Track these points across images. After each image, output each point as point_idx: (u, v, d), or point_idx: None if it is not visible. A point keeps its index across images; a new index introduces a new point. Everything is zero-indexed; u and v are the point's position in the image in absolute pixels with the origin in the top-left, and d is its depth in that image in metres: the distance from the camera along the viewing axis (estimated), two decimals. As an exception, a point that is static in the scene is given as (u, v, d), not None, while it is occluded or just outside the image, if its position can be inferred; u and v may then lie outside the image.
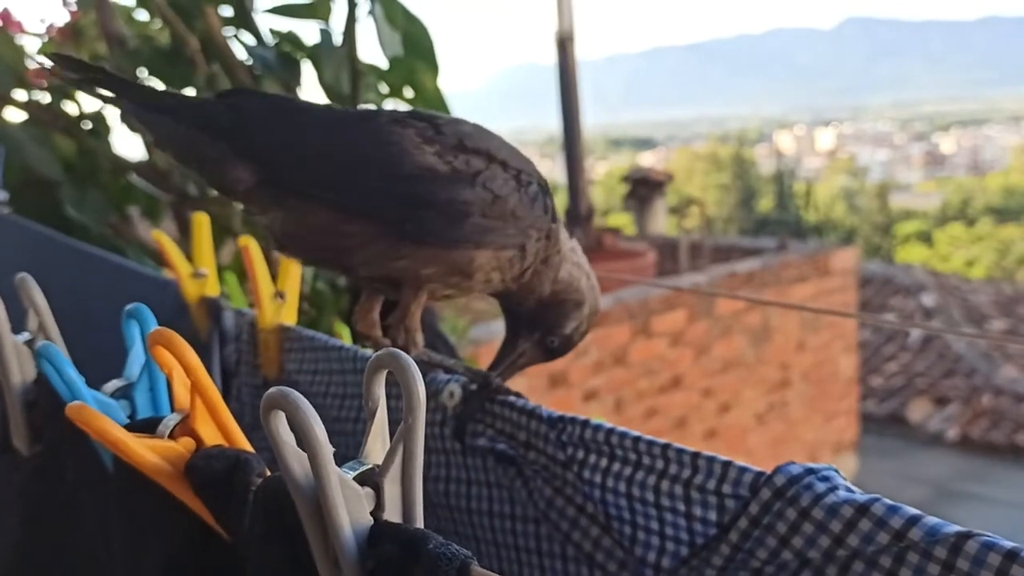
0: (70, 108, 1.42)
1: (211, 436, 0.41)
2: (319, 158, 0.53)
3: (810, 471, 0.38)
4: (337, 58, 1.21)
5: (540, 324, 0.59)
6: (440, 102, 1.22)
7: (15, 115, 1.38)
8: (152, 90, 0.60)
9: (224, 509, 0.39)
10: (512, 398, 0.54)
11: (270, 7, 1.27)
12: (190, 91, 1.31)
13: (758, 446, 4.45)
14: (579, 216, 5.38)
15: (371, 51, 1.16)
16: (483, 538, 0.55)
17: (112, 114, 1.42)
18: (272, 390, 0.31)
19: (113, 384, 0.47)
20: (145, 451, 0.40)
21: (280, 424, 0.31)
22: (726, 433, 4.29)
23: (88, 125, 1.42)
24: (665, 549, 0.44)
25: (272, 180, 0.54)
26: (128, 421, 0.45)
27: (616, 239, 5.18)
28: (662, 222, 6.33)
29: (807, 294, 4.63)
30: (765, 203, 25.07)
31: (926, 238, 22.20)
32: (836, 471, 0.38)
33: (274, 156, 0.53)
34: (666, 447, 0.44)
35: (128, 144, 1.42)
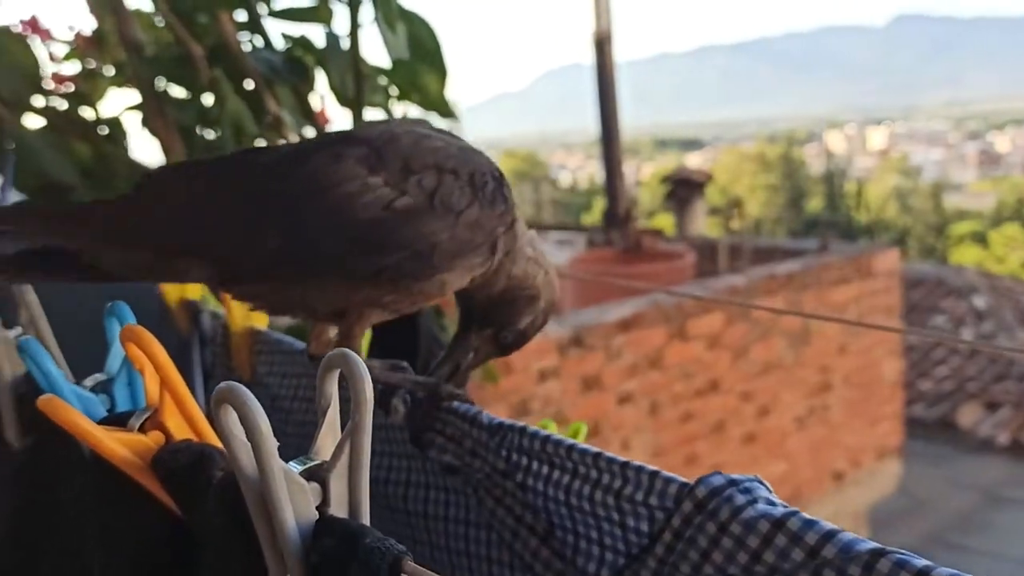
0: (87, 114, 1.44)
1: (180, 430, 0.42)
2: (261, 235, 0.50)
3: (732, 482, 0.37)
4: (343, 61, 1.21)
5: (493, 320, 0.58)
6: (444, 105, 1.21)
7: (33, 121, 1.41)
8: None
9: (188, 501, 0.40)
10: (457, 404, 0.53)
11: (274, 11, 1.27)
12: (208, 97, 1.33)
13: (798, 450, 4.38)
14: (617, 218, 5.34)
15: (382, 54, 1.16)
16: (436, 544, 0.54)
17: (129, 119, 1.44)
18: (221, 385, 0.32)
19: (93, 378, 0.48)
20: (114, 443, 0.41)
21: (230, 419, 0.32)
22: (765, 437, 4.22)
23: (105, 130, 1.44)
24: (604, 559, 0.43)
25: (222, 278, 0.53)
26: (106, 414, 0.46)
27: (655, 240, 5.15)
28: (702, 223, 6.27)
29: (849, 296, 4.53)
30: (815, 203, 24.74)
31: (981, 239, 21.71)
32: (761, 482, 0.37)
33: (216, 250, 0.51)
34: (597, 456, 0.43)
35: (145, 149, 1.44)
